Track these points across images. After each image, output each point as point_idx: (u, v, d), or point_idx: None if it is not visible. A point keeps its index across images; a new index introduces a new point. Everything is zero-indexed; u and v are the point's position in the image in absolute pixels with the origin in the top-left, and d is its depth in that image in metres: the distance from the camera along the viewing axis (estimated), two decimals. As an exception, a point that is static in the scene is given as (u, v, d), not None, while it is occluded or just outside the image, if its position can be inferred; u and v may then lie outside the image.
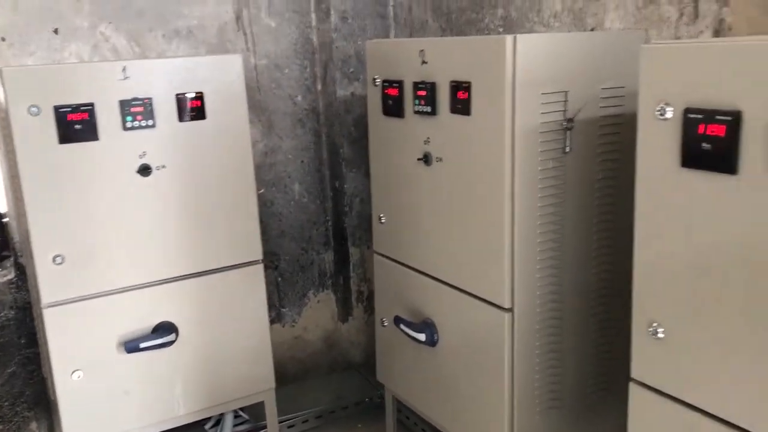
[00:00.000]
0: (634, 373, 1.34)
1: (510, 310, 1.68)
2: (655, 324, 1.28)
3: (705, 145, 1.13)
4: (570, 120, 1.64)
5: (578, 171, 1.68)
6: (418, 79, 1.80)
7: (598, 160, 1.71)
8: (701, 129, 1.13)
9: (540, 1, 1.99)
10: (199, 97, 1.99)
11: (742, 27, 1.50)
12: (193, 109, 1.99)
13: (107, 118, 1.88)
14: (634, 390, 1.35)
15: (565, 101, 1.63)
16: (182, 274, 2.07)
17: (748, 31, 1.50)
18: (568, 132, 1.64)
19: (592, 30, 1.87)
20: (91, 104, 1.84)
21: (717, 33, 1.55)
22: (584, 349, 1.81)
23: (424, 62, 1.78)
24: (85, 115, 1.84)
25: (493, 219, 1.66)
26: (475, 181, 1.69)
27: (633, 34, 1.72)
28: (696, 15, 1.59)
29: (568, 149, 1.64)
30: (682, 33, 1.63)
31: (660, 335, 1.27)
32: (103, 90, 1.86)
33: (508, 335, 1.69)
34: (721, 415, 1.20)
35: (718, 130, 1.11)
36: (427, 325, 1.95)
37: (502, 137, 1.59)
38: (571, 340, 1.79)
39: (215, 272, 2.13)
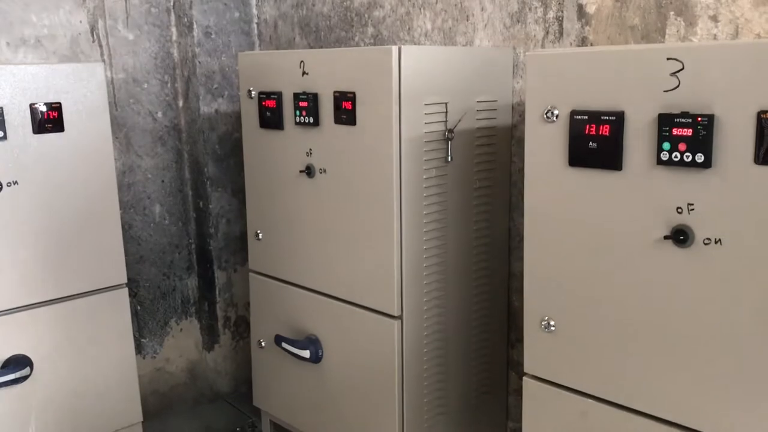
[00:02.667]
0: (528, 367, 1.39)
1: (399, 317, 1.69)
2: (547, 318, 1.34)
3: (591, 144, 1.22)
4: (451, 131, 1.69)
5: (459, 179, 1.74)
6: (299, 91, 1.78)
7: (475, 169, 1.78)
8: (587, 129, 1.22)
9: (411, 20, 2.06)
10: (57, 107, 1.84)
11: (602, 44, 1.64)
12: (49, 120, 1.83)
13: (-52, 128, 1.68)
14: (528, 385, 1.40)
15: (446, 112, 1.69)
16: (36, 301, 1.88)
17: (608, 48, 1.64)
18: (450, 142, 1.69)
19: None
20: (-71, 112, 1.64)
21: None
22: (467, 354, 1.86)
23: (305, 73, 1.77)
24: None
25: (381, 228, 1.67)
26: (362, 191, 1.70)
27: (502, 51, 1.82)
28: (561, 33, 1.72)
29: (450, 158, 1.70)
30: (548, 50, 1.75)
31: (552, 328, 1.34)
32: (-57, 97, 1.67)
33: (398, 343, 1.70)
34: (611, 399, 1.28)
35: (604, 130, 1.20)
36: (311, 342, 1.91)
37: (390, 147, 1.61)
38: (455, 345, 1.83)
39: (74, 298, 1.95)
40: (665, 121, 1.11)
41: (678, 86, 1.10)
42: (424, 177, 1.67)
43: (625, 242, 1.21)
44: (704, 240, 1.11)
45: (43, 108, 1.82)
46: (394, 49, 1.56)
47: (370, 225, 1.69)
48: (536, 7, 1.76)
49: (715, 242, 1.10)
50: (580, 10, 1.67)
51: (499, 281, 1.92)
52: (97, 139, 1.93)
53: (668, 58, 1.11)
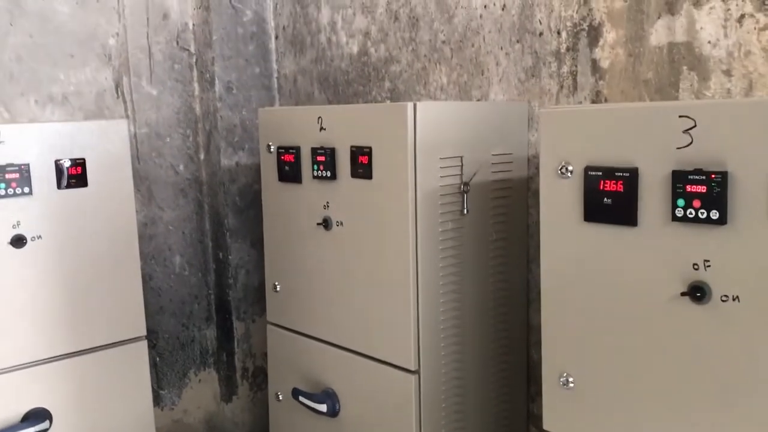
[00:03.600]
0: (547, 424, 1.37)
1: (416, 372, 1.68)
2: (565, 374, 1.33)
3: (606, 200, 1.22)
4: (466, 184, 1.71)
5: (475, 232, 1.75)
6: (316, 145, 1.82)
7: (491, 221, 1.79)
8: (602, 185, 1.22)
9: (427, 74, 2.09)
10: (81, 163, 1.88)
11: (616, 98, 1.66)
12: (73, 176, 1.88)
13: (-23, 185, 1.73)
14: (547, 442, 1.38)
15: (461, 165, 1.70)
16: (57, 354, 1.90)
17: (622, 101, 1.65)
18: (465, 195, 1.71)
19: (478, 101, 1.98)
20: (-40, 170, 1.69)
21: (595, 104, 1.70)
22: (487, 408, 1.84)
23: (322, 128, 1.80)
24: (-48, 182, 1.69)
25: (397, 280, 1.67)
26: (378, 244, 1.71)
27: (517, 105, 1.84)
28: (575, 88, 1.74)
29: (466, 211, 1.71)
30: (563, 104, 1.77)
31: (571, 385, 1.32)
32: (-28, 156, 1.72)
33: (415, 398, 1.69)
34: (633, 458, 1.25)
35: (618, 186, 1.20)
36: (328, 395, 1.90)
37: (406, 200, 1.62)
38: (474, 399, 1.81)
39: (94, 351, 1.96)
40: (679, 178, 1.12)
41: (691, 143, 1.11)
42: (440, 230, 1.68)
43: (642, 298, 1.20)
44: (722, 297, 1.10)
45: (68, 164, 1.86)
46: (410, 105, 1.59)
47: (387, 278, 1.70)
48: (550, 62, 1.78)
49: (733, 299, 1.09)
50: (594, 65, 1.70)
51: (518, 334, 1.91)
52: (119, 194, 1.97)
53: (680, 116, 1.12)
